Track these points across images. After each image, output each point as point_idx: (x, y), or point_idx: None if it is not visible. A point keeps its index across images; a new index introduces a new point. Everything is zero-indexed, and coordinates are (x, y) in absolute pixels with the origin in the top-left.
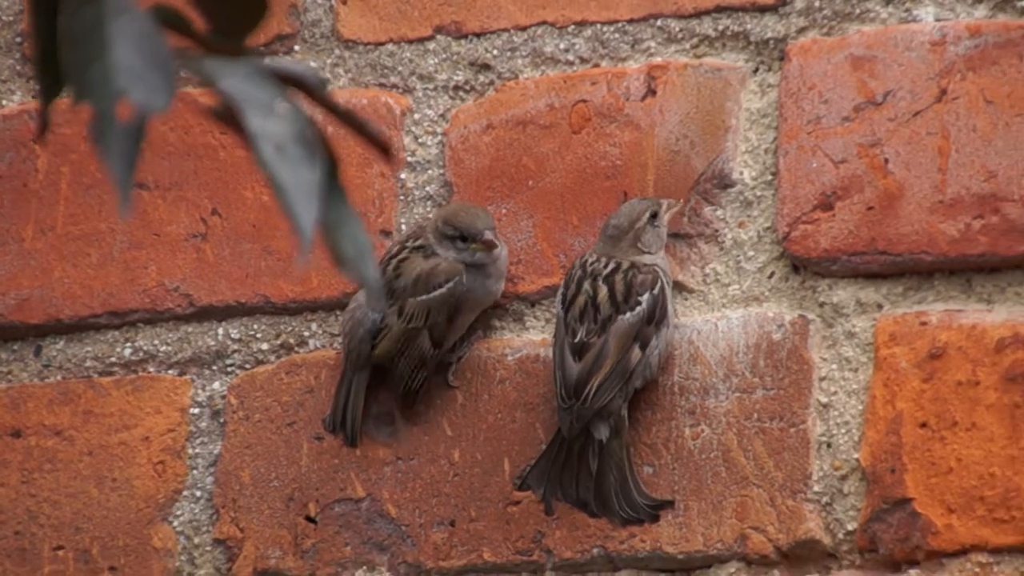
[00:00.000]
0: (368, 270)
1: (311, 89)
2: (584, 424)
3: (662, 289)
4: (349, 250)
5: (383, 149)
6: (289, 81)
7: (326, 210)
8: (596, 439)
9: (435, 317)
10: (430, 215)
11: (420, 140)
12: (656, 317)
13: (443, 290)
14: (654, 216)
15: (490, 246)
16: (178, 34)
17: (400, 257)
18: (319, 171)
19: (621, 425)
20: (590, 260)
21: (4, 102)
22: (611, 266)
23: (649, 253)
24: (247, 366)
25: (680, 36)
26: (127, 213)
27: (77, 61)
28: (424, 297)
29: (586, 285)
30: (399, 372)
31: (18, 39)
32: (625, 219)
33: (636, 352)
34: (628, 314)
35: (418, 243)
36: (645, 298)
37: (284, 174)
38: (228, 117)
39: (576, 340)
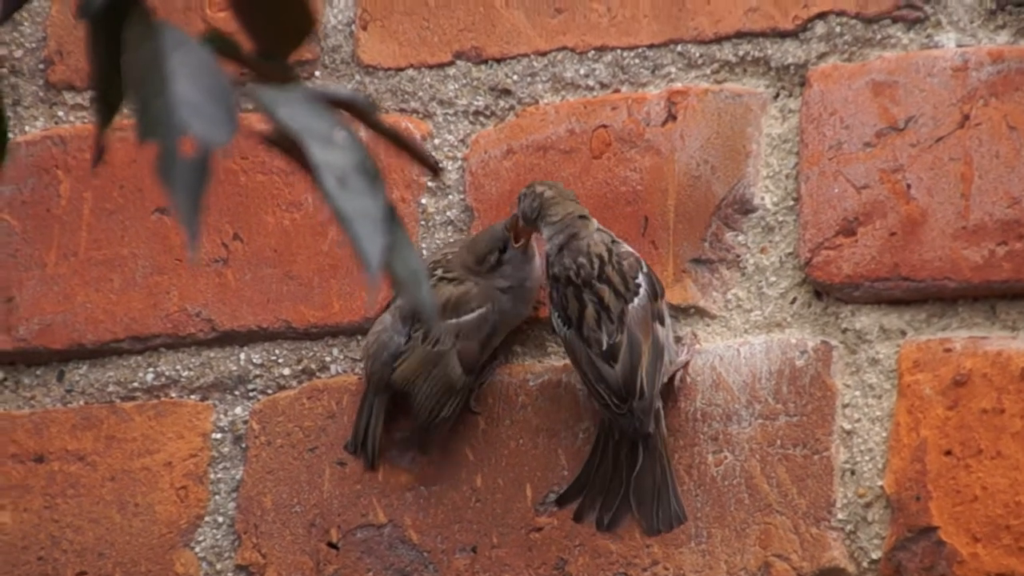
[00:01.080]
0: (422, 293)
1: (362, 113)
2: (648, 419)
3: (645, 264)
4: (403, 274)
5: (433, 169)
6: (340, 106)
7: (390, 239)
8: (643, 432)
9: (465, 341)
10: (451, 241)
11: (440, 165)
12: (657, 291)
13: (475, 315)
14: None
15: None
16: (229, 60)
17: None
18: (381, 200)
19: (659, 416)
20: (571, 272)
21: (27, 128)
22: (596, 265)
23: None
24: (269, 391)
25: (700, 62)
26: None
27: (139, 98)
28: (454, 320)
29: (586, 295)
30: (421, 399)
31: (40, 66)
32: (545, 194)
33: (659, 328)
34: (635, 299)
35: (450, 275)
36: (641, 279)
37: (348, 205)
38: (284, 145)
39: (604, 348)
